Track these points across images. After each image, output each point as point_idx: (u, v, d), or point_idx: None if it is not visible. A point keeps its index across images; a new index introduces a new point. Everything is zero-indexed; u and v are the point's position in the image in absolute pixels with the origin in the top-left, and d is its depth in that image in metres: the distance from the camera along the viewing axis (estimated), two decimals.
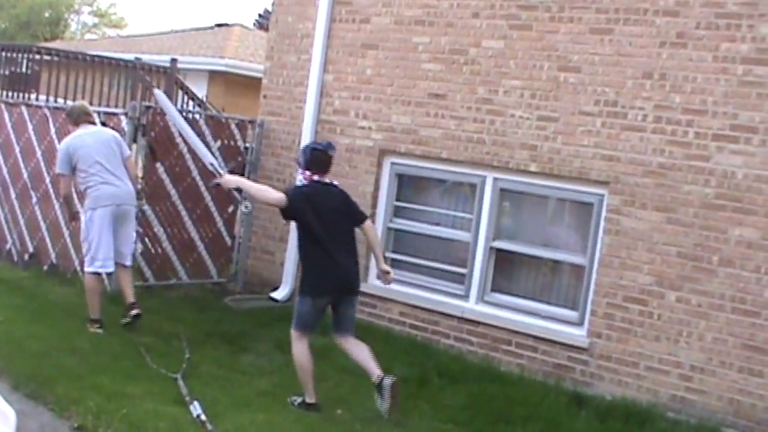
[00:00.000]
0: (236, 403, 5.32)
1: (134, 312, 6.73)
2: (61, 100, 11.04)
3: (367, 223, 5.59)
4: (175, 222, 8.17)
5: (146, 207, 7.87)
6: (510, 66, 7.06)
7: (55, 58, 12.43)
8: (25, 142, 8.90)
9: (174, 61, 13.64)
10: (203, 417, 4.91)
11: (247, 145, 8.65)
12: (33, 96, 11.79)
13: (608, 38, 6.60)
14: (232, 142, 8.52)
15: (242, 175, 7.80)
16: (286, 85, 8.54)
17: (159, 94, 7.20)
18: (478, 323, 7.10)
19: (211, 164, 5.96)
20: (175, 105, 12.36)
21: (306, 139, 7.97)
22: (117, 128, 7.55)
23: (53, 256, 8.55)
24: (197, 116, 8.66)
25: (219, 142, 8.36)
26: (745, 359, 5.97)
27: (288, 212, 5.38)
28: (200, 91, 14.99)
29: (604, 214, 6.62)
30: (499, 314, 7.07)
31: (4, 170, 9.16)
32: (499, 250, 7.20)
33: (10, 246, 9.02)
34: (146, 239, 7.95)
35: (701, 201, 6.18)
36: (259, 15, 23.68)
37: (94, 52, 14.44)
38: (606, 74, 6.60)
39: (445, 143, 7.38)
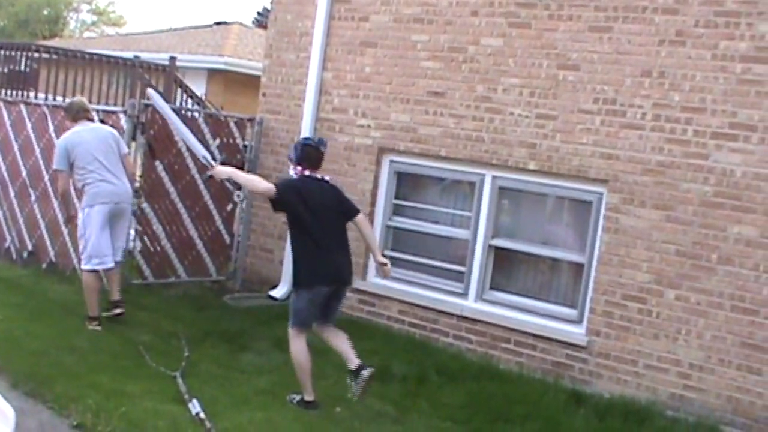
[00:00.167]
0: (235, 401, 5.32)
1: (117, 311, 6.76)
2: (59, 98, 11.04)
3: (360, 216, 5.59)
4: (174, 220, 8.16)
5: (145, 205, 7.86)
6: (509, 64, 7.06)
7: (54, 57, 12.44)
8: (24, 140, 8.90)
9: (173, 59, 13.65)
10: (202, 415, 4.91)
11: (246, 143, 8.64)
12: (32, 94, 11.80)
13: (607, 36, 6.60)
14: (231, 140, 8.51)
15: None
16: (285, 83, 8.54)
17: (151, 92, 7.21)
18: (477, 321, 7.10)
19: (204, 157, 6.00)
20: (174, 103, 12.40)
21: None
22: (116, 126, 7.55)
23: (52, 254, 8.54)
24: (196, 114, 8.64)
25: (218, 141, 8.35)
26: (743, 357, 5.98)
27: (278, 203, 5.38)
28: (199, 89, 15.00)
29: (603, 212, 6.63)
30: (498, 312, 7.08)
31: (3, 168, 9.15)
32: (498, 248, 7.20)
33: (9, 244, 9.02)
34: (145, 237, 7.94)
35: (700, 199, 6.18)
36: (258, 13, 23.69)
37: (93, 51, 14.44)
38: (605, 72, 6.60)
39: (444, 141, 7.38)
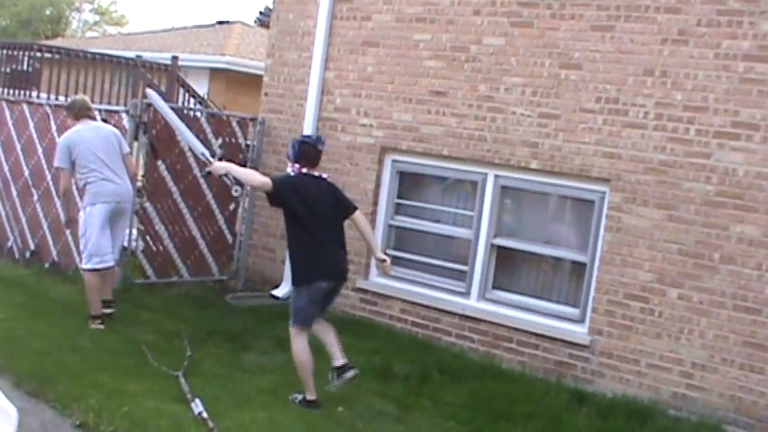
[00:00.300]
0: (237, 400, 5.32)
1: (108, 311, 6.76)
2: (62, 98, 11.04)
3: (357, 213, 5.60)
4: (176, 219, 8.17)
5: (147, 204, 7.87)
6: (511, 63, 7.05)
7: (56, 56, 12.46)
8: (27, 140, 8.91)
9: (175, 58, 13.67)
10: (204, 415, 4.91)
11: (249, 142, 8.64)
12: (34, 94, 11.81)
13: (609, 35, 6.60)
14: (233, 140, 8.52)
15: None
16: (287, 83, 8.54)
17: (150, 91, 7.22)
18: (480, 320, 7.10)
19: (202, 154, 6.05)
20: (177, 103, 12.41)
21: None
22: (118, 126, 7.56)
23: (54, 253, 8.56)
24: (199, 114, 8.65)
25: (220, 140, 8.36)
26: (746, 356, 5.97)
27: (274, 197, 5.39)
28: (201, 88, 15.00)
29: (605, 211, 6.62)
30: (501, 311, 7.07)
31: (6, 168, 9.17)
32: (500, 248, 7.20)
33: (12, 244, 9.03)
34: (148, 237, 7.95)
35: (702, 198, 6.18)
36: (260, 12, 23.73)
37: (95, 50, 14.46)
38: (607, 71, 6.59)
39: (446, 140, 7.38)
